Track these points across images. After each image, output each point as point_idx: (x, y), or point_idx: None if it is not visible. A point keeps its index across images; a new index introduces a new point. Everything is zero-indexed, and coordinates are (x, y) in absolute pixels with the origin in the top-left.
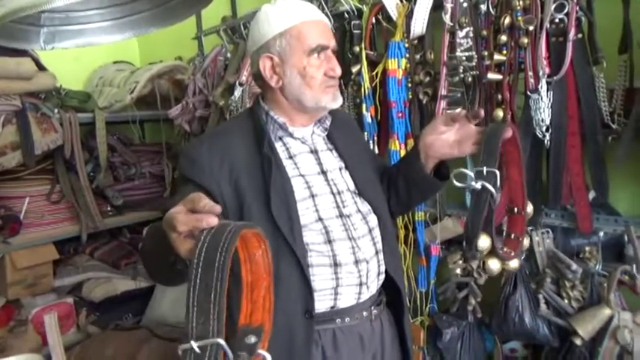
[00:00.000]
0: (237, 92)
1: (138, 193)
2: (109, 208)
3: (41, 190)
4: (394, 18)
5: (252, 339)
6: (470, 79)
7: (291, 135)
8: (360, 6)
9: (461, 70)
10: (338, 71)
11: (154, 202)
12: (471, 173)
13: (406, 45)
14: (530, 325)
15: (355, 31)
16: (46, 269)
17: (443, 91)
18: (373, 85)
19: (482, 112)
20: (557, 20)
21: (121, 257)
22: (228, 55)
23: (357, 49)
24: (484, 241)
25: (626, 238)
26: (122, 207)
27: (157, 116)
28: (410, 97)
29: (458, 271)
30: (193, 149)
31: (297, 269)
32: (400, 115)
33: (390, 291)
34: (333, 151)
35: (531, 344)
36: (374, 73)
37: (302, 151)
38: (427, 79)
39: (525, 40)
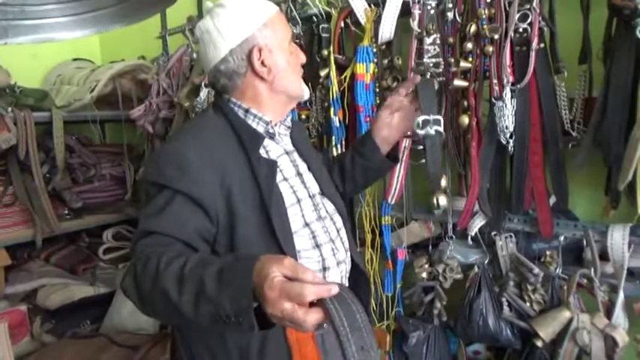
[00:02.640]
0: (203, 93)
1: (97, 196)
2: (66, 212)
3: None
4: (362, 22)
5: None
6: (436, 85)
7: (271, 135)
8: (329, 10)
9: (428, 76)
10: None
11: (115, 205)
12: (430, 117)
13: (374, 50)
14: (494, 327)
15: (324, 35)
16: None
17: None
18: (341, 89)
19: (415, 79)
20: (520, 30)
21: (79, 262)
22: (194, 55)
23: (325, 52)
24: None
25: (584, 242)
26: (81, 210)
27: (119, 116)
28: (377, 101)
29: (424, 275)
30: (179, 154)
31: None
32: (368, 119)
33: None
34: (297, 152)
35: (494, 346)
36: (342, 77)
37: (279, 153)
38: (395, 84)
39: (490, 49)
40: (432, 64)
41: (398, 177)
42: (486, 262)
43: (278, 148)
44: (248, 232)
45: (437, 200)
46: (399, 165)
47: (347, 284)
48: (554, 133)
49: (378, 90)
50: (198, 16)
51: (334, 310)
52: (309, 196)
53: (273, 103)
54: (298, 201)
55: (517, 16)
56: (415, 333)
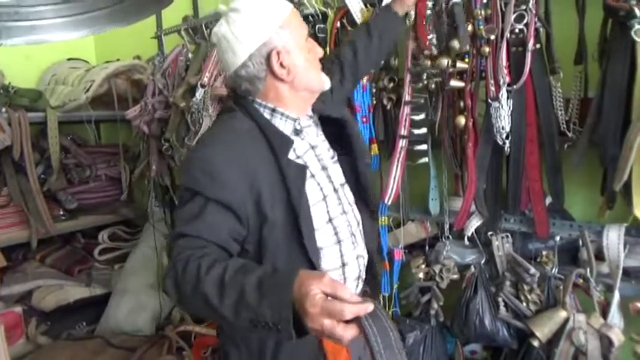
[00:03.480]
0: (199, 94)
1: (93, 197)
2: (61, 212)
3: None
4: (359, 22)
5: None
6: (433, 85)
7: (297, 132)
8: (325, 10)
9: (424, 77)
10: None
11: (110, 205)
12: None
13: None
14: (490, 327)
15: (320, 35)
16: None
17: (407, 97)
18: None
19: None
20: (517, 30)
21: (75, 263)
22: (190, 55)
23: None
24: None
25: (580, 242)
26: (76, 211)
27: (114, 117)
28: (374, 102)
29: (421, 275)
30: (209, 162)
31: None
32: (364, 119)
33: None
34: (325, 142)
35: (491, 346)
36: None
37: (305, 149)
38: (391, 84)
39: (487, 49)
40: (428, 65)
41: (395, 177)
42: (483, 262)
43: (304, 145)
44: (275, 234)
45: None
46: (395, 165)
47: (364, 277)
48: (550, 133)
49: (374, 90)
50: (194, 16)
51: (369, 327)
52: (334, 190)
53: (297, 100)
54: (324, 197)
55: (513, 16)
56: (412, 333)
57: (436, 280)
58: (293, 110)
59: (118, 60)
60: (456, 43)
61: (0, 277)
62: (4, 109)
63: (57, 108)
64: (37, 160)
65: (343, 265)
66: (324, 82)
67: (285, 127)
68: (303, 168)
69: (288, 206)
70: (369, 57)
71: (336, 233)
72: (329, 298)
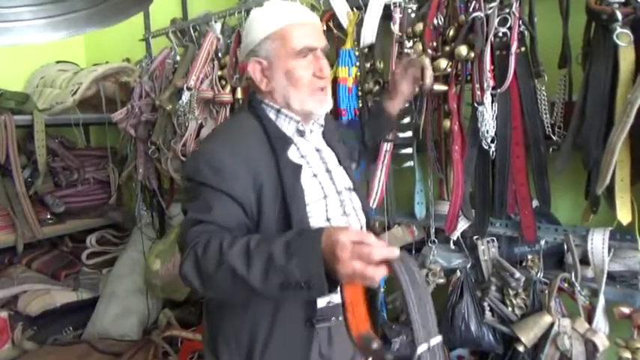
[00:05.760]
0: (185, 97)
1: (81, 200)
2: (48, 216)
3: None
4: (345, 26)
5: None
6: (417, 89)
7: (302, 134)
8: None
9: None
10: (326, 71)
11: (99, 209)
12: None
13: (356, 53)
14: (476, 332)
15: None
16: None
17: None
18: None
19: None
20: (500, 34)
21: (61, 268)
22: (178, 58)
23: None
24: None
25: (565, 246)
26: (63, 214)
27: (102, 119)
28: (360, 105)
29: None
30: (215, 158)
31: None
32: None
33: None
34: (330, 149)
35: (478, 351)
36: None
37: (309, 149)
38: (377, 87)
39: (471, 54)
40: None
41: (379, 181)
42: (468, 266)
43: (309, 146)
44: (269, 228)
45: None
46: (380, 168)
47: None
48: (535, 137)
49: (360, 94)
50: (183, 18)
51: (398, 267)
52: (336, 192)
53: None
54: (325, 197)
55: (497, 20)
56: (398, 338)
57: None
58: (298, 113)
59: (107, 63)
60: (462, 49)
61: None
62: None
63: (44, 111)
64: (23, 163)
65: None
66: (312, 108)
67: (288, 127)
68: (298, 167)
69: (283, 203)
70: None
71: None
72: None
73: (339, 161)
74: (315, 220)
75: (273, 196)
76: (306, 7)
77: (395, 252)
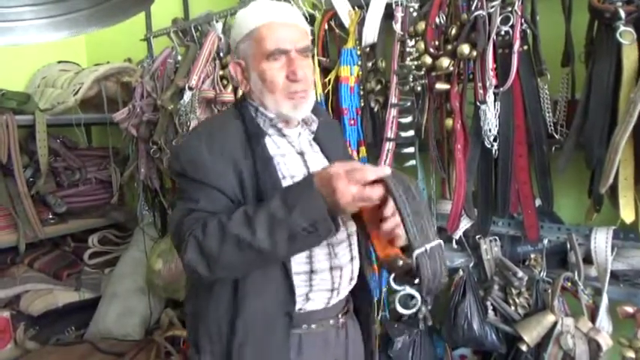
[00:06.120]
0: (187, 96)
1: (83, 200)
2: (50, 216)
3: None
4: (346, 25)
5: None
6: (419, 88)
7: (280, 132)
8: (313, 12)
9: (411, 79)
10: (299, 74)
11: (101, 209)
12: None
13: (358, 52)
14: (479, 331)
15: None
16: None
17: (394, 100)
18: (326, 91)
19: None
20: (503, 32)
21: (63, 267)
22: (179, 57)
23: None
24: None
25: (568, 245)
26: (65, 214)
27: (104, 119)
28: (362, 104)
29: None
30: (192, 150)
31: (282, 273)
32: (352, 122)
33: (361, 296)
34: (320, 154)
35: (480, 350)
36: (326, 79)
37: (289, 151)
38: (378, 87)
39: (473, 52)
40: (414, 67)
41: None
42: (471, 265)
43: (288, 147)
44: None
45: None
46: None
47: (342, 290)
48: (538, 135)
49: (362, 93)
50: (184, 18)
51: (392, 184)
52: None
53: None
54: None
55: (499, 18)
56: (400, 337)
57: None
58: (272, 113)
59: (108, 62)
60: (464, 48)
61: None
62: None
63: (46, 111)
64: (25, 163)
65: (312, 271)
66: (286, 111)
67: (265, 125)
68: (269, 159)
69: (256, 195)
70: None
71: None
72: None
73: None
74: None
75: (251, 184)
76: (293, 6)
77: (386, 170)
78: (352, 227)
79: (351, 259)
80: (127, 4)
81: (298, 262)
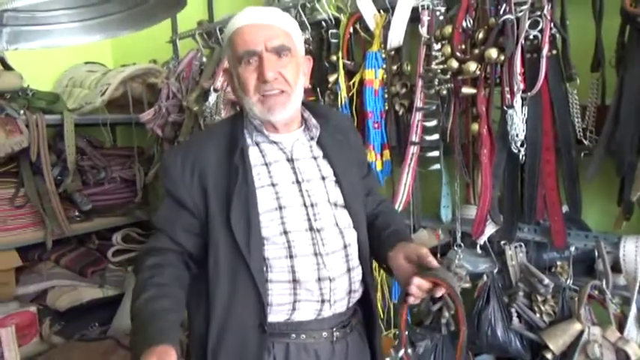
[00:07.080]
0: (212, 98)
1: (107, 198)
2: (76, 214)
3: (4, 193)
4: (372, 28)
5: None
6: (445, 91)
7: (267, 139)
8: (338, 15)
9: (436, 83)
10: (267, 75)
11: (125, 207)
12: None
13: (383, 55)
14: (503, 338)
15: (333, 40)
16: (8, 276)
17: (419, 103)
18: (350, 94)
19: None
20: (531, 37)
21: (88, 265)
22: (204, 59)
23: (334, 58)
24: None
25: (596, 253)
26: (91, 212)
27: (129, 120)
28: (386, 107)
29: None
30: (168, 159)
31: (252, 283)
32: (376, 125)
33: (366, 308)
34: (321, 159)
35: (503, 357)
36: (351, 82)
37: (278, 158)
38: (403, 90)
39: (501, 57)
40: (439, 71)
41: (405, 183)
42: (495, 271)
43: (277, 154)
44: (216, 229)
45: None
46: (406, 171)
47: (350, 307)
48: (567, 141)
49: (387, 96)
50: (209, 20)
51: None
52: (305, 205)
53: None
54: (279, 208)
55: (528, 22)
56: (423, 342)
57: None
58: (256, 119)
59: (134, 64)
60: (492, 52)
61: (16, 277)
62: (22, 112)
63: (74, 111)
64: (53, 161)
65: (295, 281)
66: (260, 114)
67: (252, 133)
68: (236, 167)
69: (227, 204)
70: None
71: (289, 247)
72: None
73: (335, 174)
74: (270, 232)
75: (220, 197)
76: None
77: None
78: (351, 238)
79: (348, 269)
80: (156, 10)
81: (278, 271)
